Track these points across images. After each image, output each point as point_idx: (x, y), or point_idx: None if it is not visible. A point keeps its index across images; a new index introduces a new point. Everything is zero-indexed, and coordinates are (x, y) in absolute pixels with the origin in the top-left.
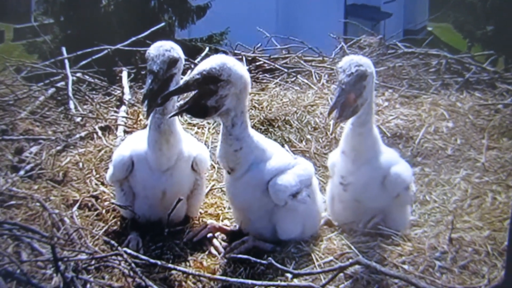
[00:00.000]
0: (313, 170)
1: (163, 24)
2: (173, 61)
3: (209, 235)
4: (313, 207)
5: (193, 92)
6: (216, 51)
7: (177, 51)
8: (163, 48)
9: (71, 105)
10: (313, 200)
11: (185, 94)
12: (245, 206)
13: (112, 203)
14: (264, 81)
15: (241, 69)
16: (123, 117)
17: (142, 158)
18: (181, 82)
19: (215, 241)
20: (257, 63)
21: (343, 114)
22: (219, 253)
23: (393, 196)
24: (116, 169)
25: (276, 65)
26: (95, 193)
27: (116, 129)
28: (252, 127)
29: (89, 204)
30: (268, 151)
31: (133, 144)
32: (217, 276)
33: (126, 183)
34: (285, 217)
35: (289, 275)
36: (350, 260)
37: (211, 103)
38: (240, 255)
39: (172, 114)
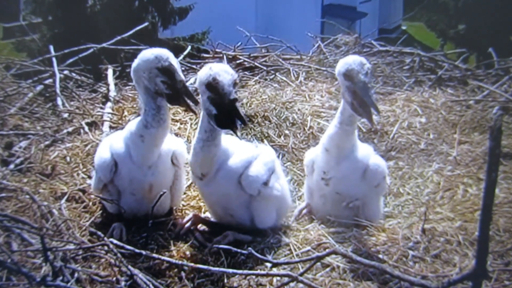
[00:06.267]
0: (275, 155)
1: (146, 24)
2: None
3: (192, 227)
4: (282, 191)
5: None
6: (198, 50)
7: None
8: None
9: (59, 102)
10: (280, 184)
11: None
12: (221, 202)
13: (99, 197)
14: (244, 78)
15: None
16: (109, 113)
17: (124, 157)
18: None
19: (197, 234)
20: (238, 61)
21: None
22: (201, 244)
23: (374, 185)
24: (101, 172)
25: (255, 63)
26: (82, 186)
27: (102, 124)
28: None
29: (77, 196)
30: (229, 148)
31: (111, 146)
32: (199, 265)
33: (111, 185)
34: (260, 206)
35: (268, 264)
36: (327, 250)
37: None
38: (221, 246)
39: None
